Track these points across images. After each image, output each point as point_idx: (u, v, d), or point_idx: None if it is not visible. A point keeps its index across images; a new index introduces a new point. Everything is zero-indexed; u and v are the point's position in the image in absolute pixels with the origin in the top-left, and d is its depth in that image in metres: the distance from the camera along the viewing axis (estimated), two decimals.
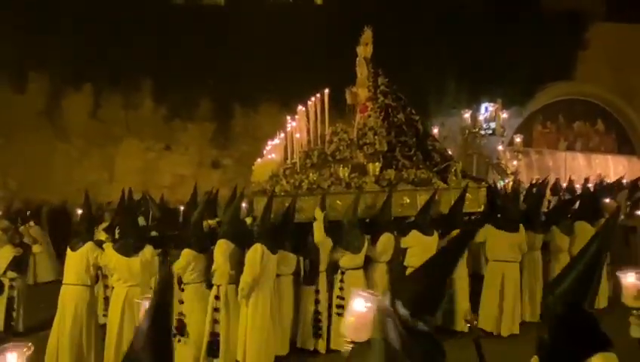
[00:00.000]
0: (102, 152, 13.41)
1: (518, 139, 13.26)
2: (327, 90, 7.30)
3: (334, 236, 6.40)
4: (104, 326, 5.96)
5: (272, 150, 8.92)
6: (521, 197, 9.35)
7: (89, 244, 5.84)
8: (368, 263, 6.65)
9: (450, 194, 7.38)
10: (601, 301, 7.68)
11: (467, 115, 11.62)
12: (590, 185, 12.90)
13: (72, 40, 12.48)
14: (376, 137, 7.39)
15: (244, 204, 7.92)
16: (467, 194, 7.24)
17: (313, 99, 7.50)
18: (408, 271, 6.58)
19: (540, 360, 2.07)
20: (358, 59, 8.05)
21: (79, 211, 7.16)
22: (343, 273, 6.42)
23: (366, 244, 6.46)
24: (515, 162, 12.59)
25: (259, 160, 9.36)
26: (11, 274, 6.74)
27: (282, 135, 8.23)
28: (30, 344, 2.07)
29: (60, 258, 6.20)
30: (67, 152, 13.21)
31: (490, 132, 11.35)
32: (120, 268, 5.69)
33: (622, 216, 10.21)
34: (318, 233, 6.23)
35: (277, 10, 14.01)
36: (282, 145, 8.12)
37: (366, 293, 2.45)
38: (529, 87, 15.60)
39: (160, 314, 1.90)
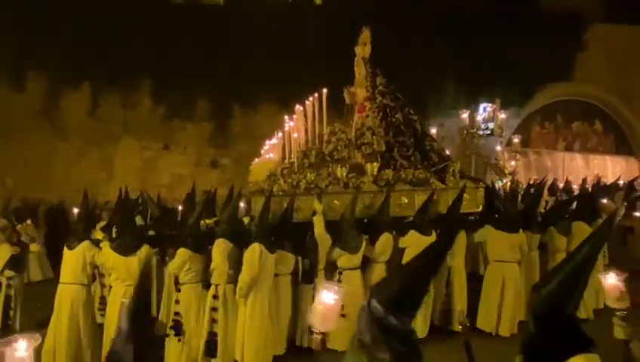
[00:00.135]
0: (100, 152, 13.41)
1: (516, 139, 13.30)
2: (325, 90, 7.30)
3: (332, 236, 6.41)
4: (101, 325, 5.95)
5: (270, 150, 8.93)
6: (519, 198, 9.35)
7: (86, 243, 5.84)
8: (367, 263, 6.65)
9: (448, 195, 7.38)
10: (599, 301, 7.71)
11: (465, 115, 11.63)
12: (587, 185, 12.91)
13: (71, 39, 12.50)
14: (374, 137, 7.40)
15: (242, 204, 7.92)
16: (465, 195, 7.24)
17: (311, 98, 7.49)
18: None
19: (523, 359, 2.08)
20: (356, 59, 8.07)
21: (76, 210, 7.14)
22: (340, 273, 6.42)
23: (364, 244, 6.47)
24: (513, 162, 12.62)
25: (256, 159, 9.36)
26: (9, 272, 6.72)
27: (280, 134, 8.23)
28: (38, 335, 2.10)
29: (54, 257, 6.18)
30: (66, 151, 13.21)
31: (489, 132, 11.35)
32: (118, 268, 5.69)
33: (619, 217, 10.24)
34: (319, 226, 6.24)
35: (276, 10, 14.02)
36: (280, 145, 8.12)
37: (333, 286, 2.56)
38: (528, 88, 15.63)
39: (139, 314, 1.90)
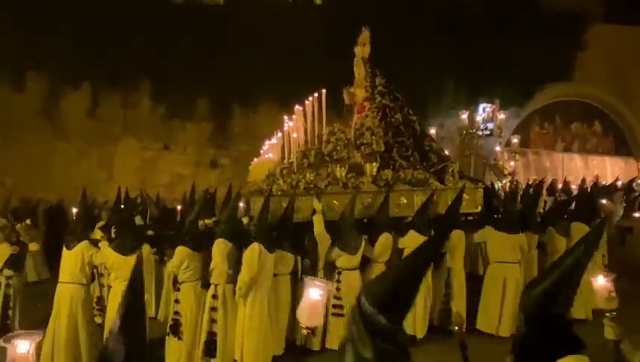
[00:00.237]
0: (100, 151, 13.42)
1: (515, 140, 13.32)
2: (324, 90, 7.31)
3: (332, 236, 6.42)
4: (100, 325, 5.96)
5: (270, 149, 8.93)
6: (519, 198, 9.37)
7: (84, 243, 5.84)
8: (366, 263, 6.65)
9: (447, 195, 7.38)
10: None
11: (464, 115, 11.64)
12: (586, 186, 12.94)
13: (71, 39, 12.51)
14: (373, 137, 7.41)
15: (241, 204, 7.92)
16: (464, 195, 7.25)
17: (311, 98, 7.50)
18: None
19: (513, 360, 2.08)
20: (355, 59, 8.08)
21: (75, 210, 7.14)
22: (340, 273, 6.42)
23: (363, 245, 6.47)
24: (512, 163, 12.63)
25: (255, 159, 9.36)
26: (8, 272, 6.72)
27: (279, 134, 8.24)
28: (42, 331, 2.12)
29: (54, 257, 6.18)
30: (65, 151, 13.22)
31: (488, 133, 11.37)
32: (118, 267, 5.69)
33: (618, 218, 10.27)
34: (318, 225, 6.24)
35: (276, 10, 14.03)
36: (279, 145, 8.13)
37: (319, 282, 2.61)
38: (528, 88, 15.65)
39: (131, 312, 1.91)
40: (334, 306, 6.21)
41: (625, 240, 9.92)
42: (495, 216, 7.59)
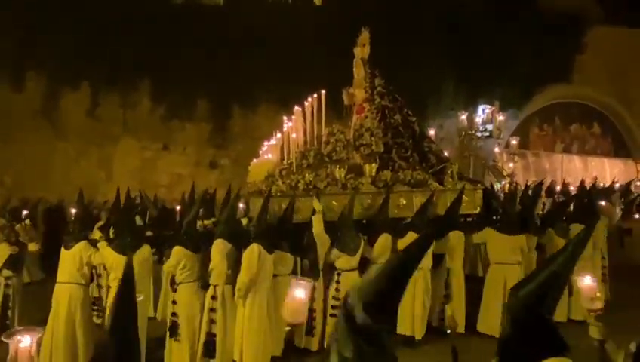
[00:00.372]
0: (99, 151, 13.42)
1: (514, 141, 13.34)
2: (323, 91, 7.32)
3: (331, 236, 6.42)
4: (98, 325, 5.95)
5: (269, 150, 8.94)
6: (518, 200, 9.38)
7: (82, 243, 5.83)
8: (366, 264, 6.65)
9: (446, 196, 7.39)
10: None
11: (464, 116, 11.66)
12: (585, 187, 12.95)
13: (71, 39, 12.50)
14: (372, 138, 7.42)
15: (241, 205, 7.92)
16: (463, 196, 7.25)
17: (310, 99, 7.51)
18: None
19: (498, 361, 2.09)
20: (355, 60, 8.09)
21: (73, 211, 7.14)
22: (339, 274, 6.42)
23: (362, 245, 6.48)
24: (511, 164, 12.65)
25: (255, 160, 9.37)
26: (7, 272, 6.73)
27: (279, 135, 8.24)
28: (43, 328, 2.13)
29: (53, 257, 6.18)
30: (65, 151, 13.22)
31: (487, 134, 11.39)
32: (117, 268, 5.67)
33: (617, 219, 10.29)
34: (318, 225, 6.25)
35: (276, 11, 14.05)
36: (279, 146, 8.13)
37: (303, 281, 2.72)
38: (527, 90, 15.67)
39: (122, 311, 1.91)
40: (333, 307, 6.21)
41: (624, 242, 9.94)
42: (494, 217, 7.60)
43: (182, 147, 13.86)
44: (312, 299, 6.10)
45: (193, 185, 9.86)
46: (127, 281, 2.07)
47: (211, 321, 5.69)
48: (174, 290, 5.79)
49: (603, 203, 9.90)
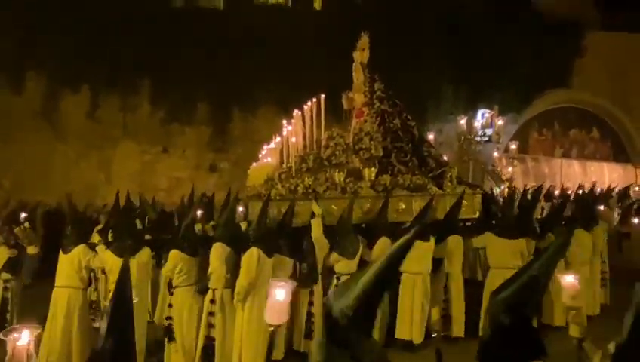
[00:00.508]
0: (99, 154, 13.42)
1: (513, 145, 13.35)
2: (323, 95, 7.33)
3: (330, 241, 6.42)
4: (96, 328, 5.94)
5: (268, 154, 8.94)
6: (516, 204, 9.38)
7: (81, 247, 5.83)
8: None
9: (445, 200, 7.40)
10: (595, 308, 7.73)
11: (463, 121, 11.68)
12: (580, 192, 12.98)
13: (71, 41, 12.51)
14: (371, 142, 7.43)
15: (240, 208, 7.93)
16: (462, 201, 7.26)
17: (310, 103, 7.52)
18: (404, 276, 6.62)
19: None
20: (354, 64, 8.11)
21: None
22: (338, 278, 6.42)
23: (361, 249, 6.48)
24: (510, 169, 12.66)
25: (254, 164, 9.37)
26: (5, 275, 6.72)
27: (278, 139, 8.25)
28: (40, 325, 2.13)
29: (52, 260, 6.17)
30: (64, 153, 13.21)
31: (486, 138, 11.40)
32: (117, 270, 5.64)
33: (615, 223, 10.30)
34: (317, 229, 6.24)
35: (276, 15, 14.09)
36: (278, 149, 8.14)
37: (283, 283, 2.74)
38: (526, 94, 15.71)
39: (118, 314, 1.91)
40: None
41: (622, 247, 9.94)
42: (493, 221, 7.60)
43: (181, 150, 13.87)
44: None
45: (193, 189, 9.86)
46: (124, 284, 2.07)
47: (210, 325, 5.68)
48: (171, 294, 5.78)
49: (602, 207, 9.90)
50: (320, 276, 6.38)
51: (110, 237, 6.37)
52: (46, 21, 12.42)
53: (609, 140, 17.73)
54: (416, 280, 6.53)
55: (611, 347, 2.27)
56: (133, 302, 2.26)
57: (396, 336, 6.50)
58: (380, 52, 8.43)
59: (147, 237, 6.91)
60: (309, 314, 6.24)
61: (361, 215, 6.94)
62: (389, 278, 1.66)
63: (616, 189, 13.80)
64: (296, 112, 7.74)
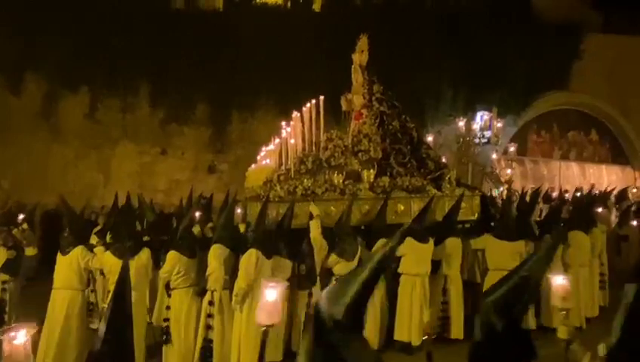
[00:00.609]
0: (98, 155, 13.39)
1: (512, 148, 13.36)
2: (322, 97, 7.34)
3: (329, 242, 6.42)
4: (95, 331, 5.93)
5: (267, 155, 8.94)
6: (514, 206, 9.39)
7: (79, 248, 5.83)
8: None
9: (444, 202, 7.41)
10: (594, 310, 7.74)
11: (462, 123, 11.70)
12: (578, 194, 13.00)
13: (71, 42, 12.50)
14: (370, 144, 7.44)
15: (239, 210, 7.92)
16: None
17: (308, 105, 7.53)
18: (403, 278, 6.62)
19: None
20: (353, 66, 8.12)
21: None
22: (337, 280, 6.42)
23: (360, 250, 6.48)
24: (509, 171, 12.67)
25: (253, 165, 9.36)
26: (4, 276, 6.72)
27: (277, 140, 8.25)
28: (35, 324, 2.13)
29: (50, 261, 6.16)
30: (63, 154, 13.19)
31: (485, 141, 11.42)
32: (116, 272, 5.65)
33: (612, 225, 10.32)
34: (315, 230, 6.24)
35: (275, 17, 14.08)
36: (277, 151, 8.14)
37: (274, 283, 2.78)
38: (525, 97, 15.71)
39: (117, 315, 1.92)
40: None
41: (620, 249, 9.95)
42: (492, 223, 7.61)
43: (180, 151, 13.85)
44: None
45: (191, 190, 9.86)
46: (123, 285, 2.07)
47: (208, 327, 5.68)
48: (169, 295, 5.78)
49: (600, 209, 9.92)
50: (318, 278, 6.38)
51: (108, 239, 6.37)
52: (45, 22, 12.41)
53: (608, 142, 17.76)
54: (415, 281, 6.54)
55: (601, 348, 2.24)
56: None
57: (395, 338, 6.51)
58: (379, 54, 8.44)
59: (145, 238, 6.92)
60: (308, 315, 6.23)
61: (360, 216, 6.95)
62: (374, 284, 1.65)
63: (615, 191, 13.81)
64: (295, 114, 7.75)
